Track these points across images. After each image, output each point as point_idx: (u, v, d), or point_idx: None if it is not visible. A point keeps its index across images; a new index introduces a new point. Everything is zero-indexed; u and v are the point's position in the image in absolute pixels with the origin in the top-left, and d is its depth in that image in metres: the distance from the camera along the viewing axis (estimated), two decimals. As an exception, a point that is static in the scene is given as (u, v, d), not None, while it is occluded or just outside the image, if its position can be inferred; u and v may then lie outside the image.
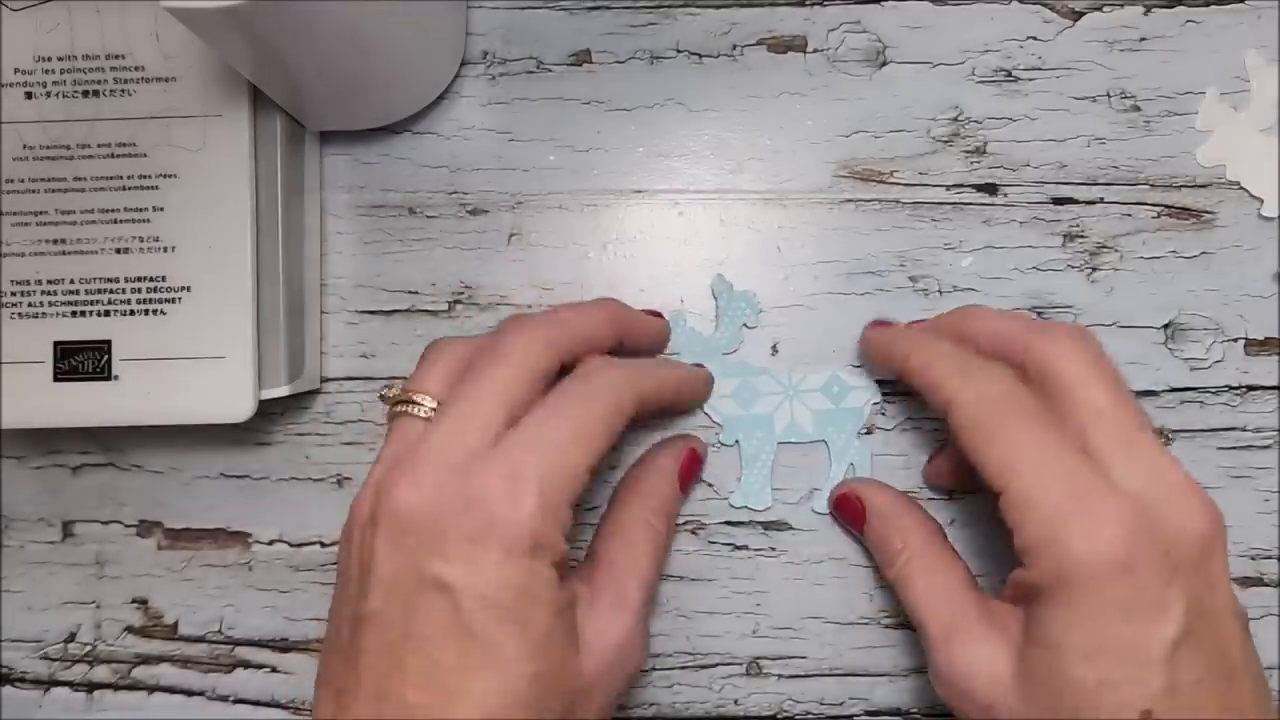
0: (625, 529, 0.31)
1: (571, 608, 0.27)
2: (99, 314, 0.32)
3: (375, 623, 0.26)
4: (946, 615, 0.28)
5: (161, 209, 0.32)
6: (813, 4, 0.36)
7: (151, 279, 0.32)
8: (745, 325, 0.35)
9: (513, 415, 0.27)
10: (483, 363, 0.28)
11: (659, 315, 0.35)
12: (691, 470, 0.34)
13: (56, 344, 0.32)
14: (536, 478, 0.26)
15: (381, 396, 0.30)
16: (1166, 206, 0.35)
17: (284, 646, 0.36)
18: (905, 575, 0.30)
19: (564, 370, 0.29)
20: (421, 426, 0.28)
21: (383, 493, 0.26)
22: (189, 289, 0.32)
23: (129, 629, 0.36)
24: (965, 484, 0.34)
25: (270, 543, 0.36)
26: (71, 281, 0.33)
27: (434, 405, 0.28)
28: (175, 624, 0.36)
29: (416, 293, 0.36)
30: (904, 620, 0.35)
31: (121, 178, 0.33)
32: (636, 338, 0.33)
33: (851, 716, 0.35)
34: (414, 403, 0.28)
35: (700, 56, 0.36)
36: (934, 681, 0.29)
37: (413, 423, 0.28)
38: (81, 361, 0.32)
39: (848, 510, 0.34)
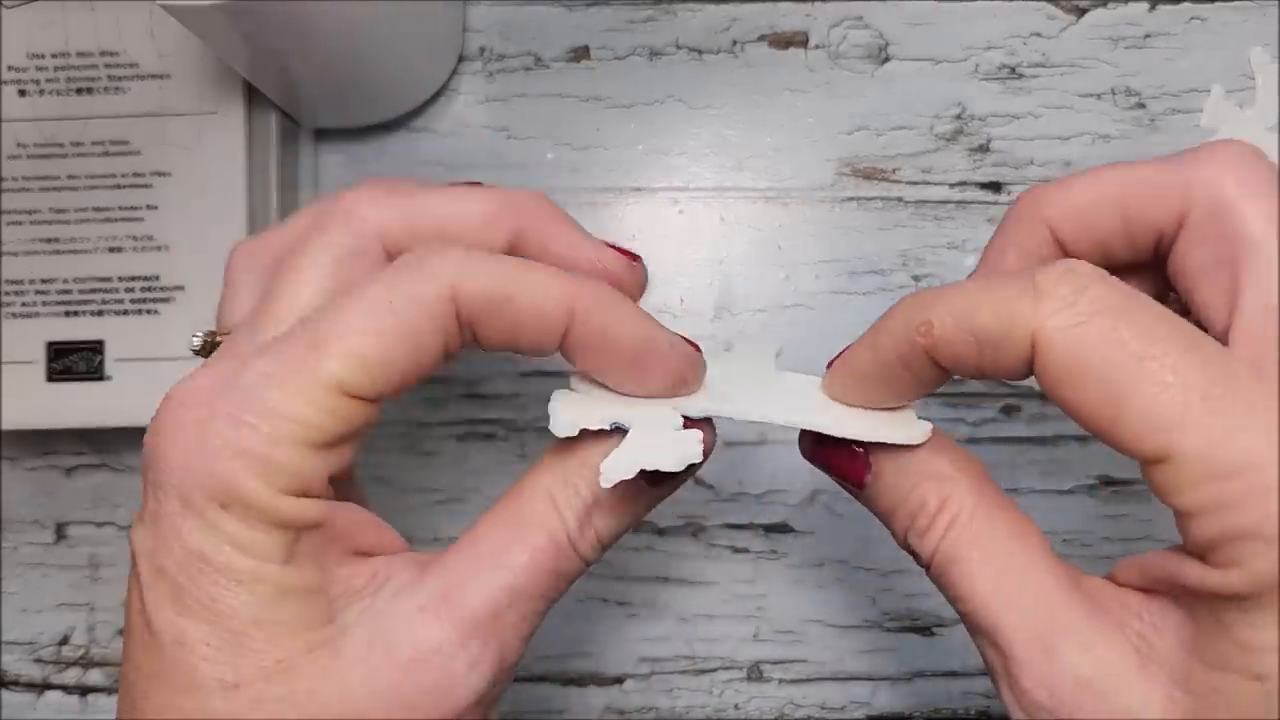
0: (515, 504, 0.21)
1: (319, 594, 0.19)
2: (92, 314, 0.32)
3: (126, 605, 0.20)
4: (1035, 611, 0.19)
5: (155, 208, 0.32)
6: (814, 0, 0.36)
7: (145, 278, 0.32)
8: None
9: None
10: (284, 265, 0.21)
11: (633, 257, 0.24)
12: None
13: (49, 344, 0.32)
14: (239, 398, 0.18)
15: (194, 350, 0.24)
16: (1172, 205, 0.35)
17: (280, 650, 0.36)
18: (951, 551, 0.20)
19: None
20: None
21: None
22: (183, 288, 0.32)
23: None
24: None
25: (266, 545, 0.36)
26: (64, 281, 0.32)
27: None
28: (170, 627, 0.36)
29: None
30: (907, 623, 0.35)
31: (115, 176, 0.32)
32: (547, 254, 0.23)
33: (853, 721, 0.35)
34: (217, 345, 0.23)
35: (700, 53, 0.36)
36: (1020, 707, 0.19)
37: None
38: (74, 362, 0.32)
39: (835, 457, 0.22)
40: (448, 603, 0.20)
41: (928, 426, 0.21)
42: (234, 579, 0.18)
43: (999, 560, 0.20)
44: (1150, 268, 0.21)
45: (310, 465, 0.19)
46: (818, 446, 0.23)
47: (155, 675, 0.19)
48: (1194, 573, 0.18)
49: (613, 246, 0.24)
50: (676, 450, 0.21)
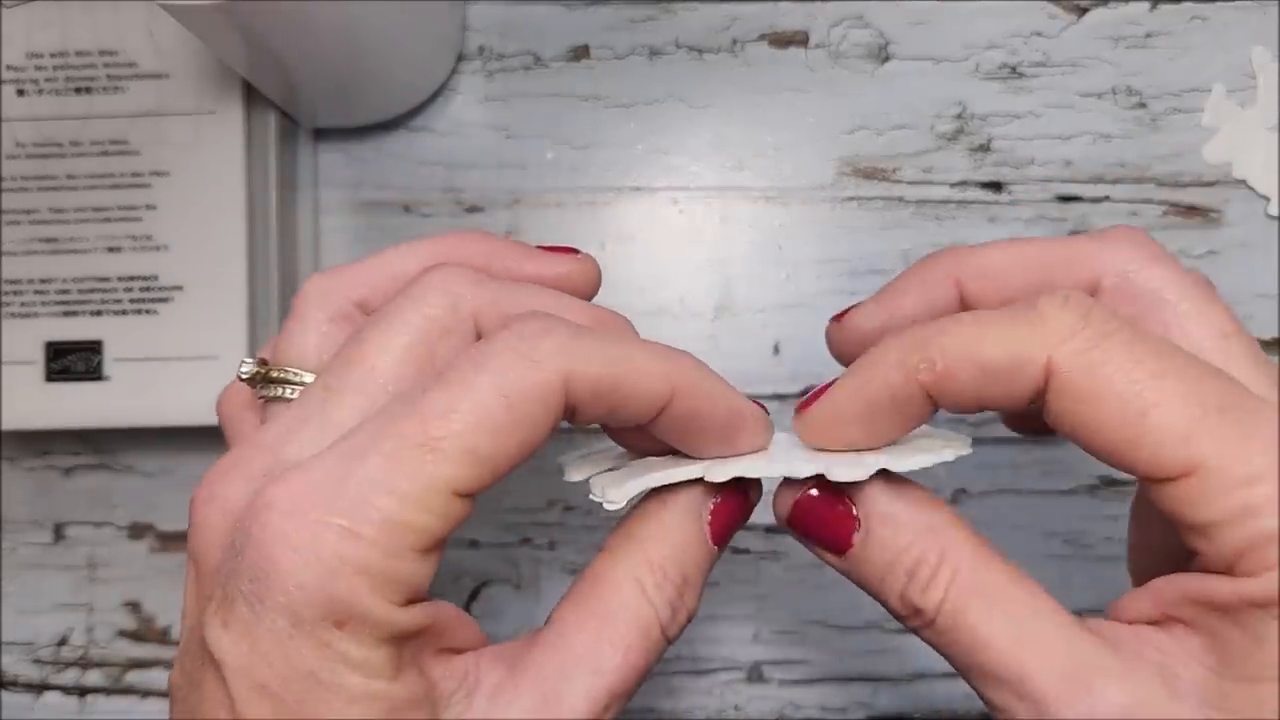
0: (600, 593, 0.20)
1: (424, 703, 0.19)
2: (90, 314, 0.32)
3: (175, 698, 0.20)
4: (1060, 652, 0.18)
5: (154, 207, 0.32)
6: (814, 0, 0.36)
7: (143, 278, 0.32)
8: None
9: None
10: (370, 327, 0.21)
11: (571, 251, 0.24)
12: (736, 510, 0.22)
13: (48, 344, 0.32)
14: (350, 506, 0.17)
15: (241, 378, 0.23)
16: (1173, 204, 0.35)
17: (279, 650, 0.36)
18: (960, 603, 0.19)
19: None
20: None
21: (191, 511, 0.20)
22: (181, 288, 0.32)
23: (121, 632, 0.36)
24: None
25: (265, 545, 0.36)
26: (63, 281, 0.32)
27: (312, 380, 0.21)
28: (167, 628, 0.36)
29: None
30: (907, 624, 0.35)
31: (113, 175, 0.32)
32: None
33: (854, 721, 0.35)
34: (285, 382, 0.22)
35: (700, 52, 0.36)
36: None
37: (278, 410, 0.22)
38: (73, 362, 0.32)
39: (823, 518, 0.21)
40: (547, 710, 0.19)
41: (967, 440, 0.21)
42: (347, 699, 0.18)
43: (1010, 607, 0.19)
44: None
45: (422, 571, 0.18)
46: (799, 510, 0.21)
47: None
48: (1224, 587, 0.17)
49: (553, 249, 0.24)
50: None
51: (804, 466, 0.20)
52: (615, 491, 0.21)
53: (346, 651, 0.17)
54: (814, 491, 0.21)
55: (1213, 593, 0.18)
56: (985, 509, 0.34)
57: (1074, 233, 0.35)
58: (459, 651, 0.20)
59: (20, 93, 0.33)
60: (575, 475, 0.22)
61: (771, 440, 0.22)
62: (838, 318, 0.25)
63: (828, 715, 0.35)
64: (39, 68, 0.33)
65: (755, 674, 0.35)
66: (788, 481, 0.21)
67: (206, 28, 0.26)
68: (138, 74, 0.32)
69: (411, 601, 0.18)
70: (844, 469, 0.20)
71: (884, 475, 0.20)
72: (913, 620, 0.20)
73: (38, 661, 0.36)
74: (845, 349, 0.25)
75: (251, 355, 0.31)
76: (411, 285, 0.21)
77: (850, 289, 0.35)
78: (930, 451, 0.20)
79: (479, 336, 0.21)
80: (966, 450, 0.21)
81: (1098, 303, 0.19)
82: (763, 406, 0.22)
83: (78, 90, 0.33)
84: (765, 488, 0.23)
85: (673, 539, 0.20)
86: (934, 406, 0.20)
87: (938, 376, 0.19)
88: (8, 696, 0.36)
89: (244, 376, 0.22)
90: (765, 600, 0.35)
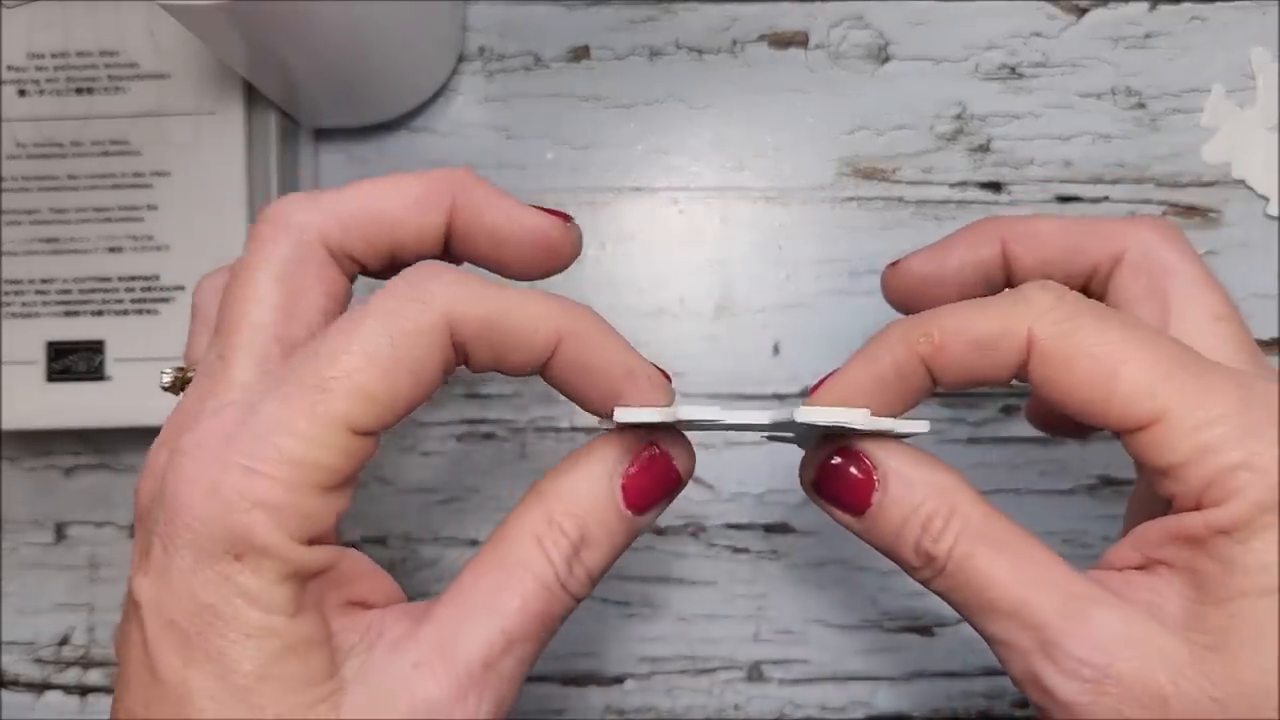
0: (501, 547, 0.21)
1: (322, 647, 0.19)
2: (92, 314, 0.32)
3: (117, 655, 0.20)
4: (1060, 586, 0.20)
5: (155, 207, 0.32)
6: (814, 0, 0.36)
7: (145, 278, 0.32)
8: None
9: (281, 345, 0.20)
10: (230, 287, 0.21)
11: (563, 216, 0.23)
12: (656, 480, 0.22)
13: (49, 344, 0.32)
14: (250, 446, 0.18)
15: (164, 388, 0.24)
16: (1172, 204, 0.35)
17: (280, 650, 0.36)
18: (968, 548, 0.21)
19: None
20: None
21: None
22: (183, 288, 0.32)
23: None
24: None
25: (266, 545, 0.36)
26: (64, 281, 0.32)
27: None
28: (170, 627, 0.36)
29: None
30: (907, 623, 0.35)
31: (114, 175, 0.32)
32: (484, 233, 0.22)
33: (854, 721, 0.35)
34: (188, 380, 0.23)
35: (700, 52, 0.36)
36: (1063, 673, 0.20)
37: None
38: (74, 362, 0.32)
39: (846, 481, 0.22)
40: (442, 657, 0.20)
41: (925, 423, 0.22)
42: (243, 632, 0.18)
43: (1014, 551, 0.21)
44: None
45: (324, 509, 0.19)
46: (824, 473, 0.23)
47: (159, 717, 0.19)
48: (1194, 520, 0.20)
49: (544, 210, 0.24)
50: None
51: (762, 415, 0.21)
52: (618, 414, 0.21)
53: (245, 584, 0.18)
54: (837, 459, 0.22)
55: (1185, 527, 0.20)
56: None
57: (1073, 233, 0.35)
58: (369, 607, 0.21)
59: (21, 93, 0.33)
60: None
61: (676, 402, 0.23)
62: (893, 265, 0.26)
63: (828, 715, 0.35)
64: (40, 68, 0.33)
65: (755, 674, 0.35)
66: (811, 451, 0.23)
67: (207, 28, 0.26)
68: (139, 74, 0.32)
69: (314, 541, 0.19)
70: (807, 414, 0.21)
71: (899, 441, 0.22)
72: (925, 570, 0.22)
73: (39, 661, 0.36)
74: (897, 294, 0.27)
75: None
76: (253, 230, 0.22)
77: (850, 289, 0.35)
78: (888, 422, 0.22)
79: (339, 263, 0.22)
80: (923, 429, 0.22)
81: (1070, 289, 0.21)
82: (665, 374, 0.23)
83: (79, 90, 0.33)
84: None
85: (576, 497, 0.21)
86: (933, 380, 0.22)
87: (935, 349, 0.21)
88: (9, 696, 0.36)
89: (165, 385, 0.23)
90: (765, 600, 0.35)
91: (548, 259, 0.23)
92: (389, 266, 0.22)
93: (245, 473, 0.18)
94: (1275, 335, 0.35)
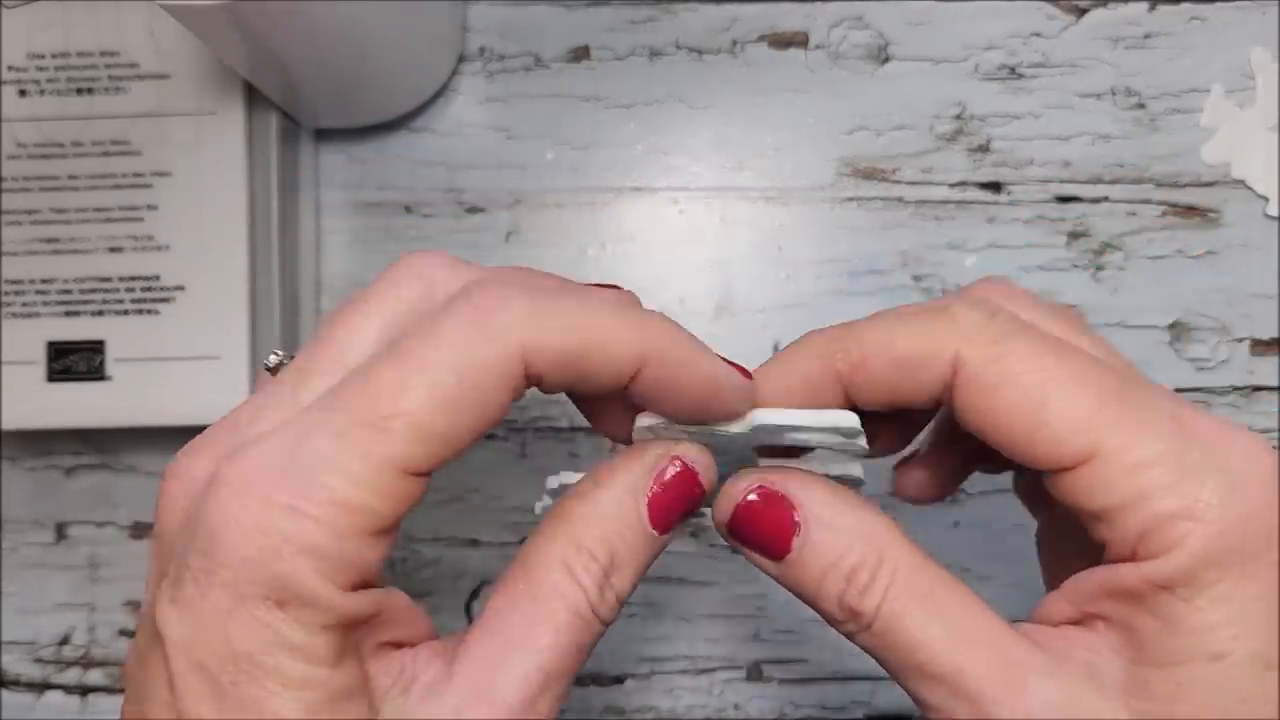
0: (529, 577, 0.20)
1: (360, 694, 0.18)
2: (92, 314, 0.32)
3: (127, 681, 0.19)
4: (995, 651, 0.19)
5: (155, 207, 0.32)
6: (814, 0, 0.36)
7: (145, 278, 0.32)
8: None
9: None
10: (348, 304, 0.20)
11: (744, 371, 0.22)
12: (679, 497, 0.21)
13: (50, 344, 0.32)
14: (299, 485, 0.17)
15: (266, 368, 0.22)
16: (1172, 205, 0.35)
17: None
18: (897, 605, 0.19)
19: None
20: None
21: (159, 487, 0.20)
22: (183, 288, 0.32)
23: (123, 632, 0.36)
24: (950, 489, 0.26)
25: (266, 545, 0.36)
26: (64, 281, 0.32)
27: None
28: (170, 627, 0.36)
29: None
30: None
31: (115, 176, 0.32)
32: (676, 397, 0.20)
33: (853, 720, 0.35)
34: (279, 367, 0.22)
35: (700, 53, 0.36)
36: None
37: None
38: (75, 362, 0.32)
39: (763, 521, 0.21)
40: (481, 700, 0.18)
41: (854, 416, 0.21)
42: (283, 683, 0.17)
43: (947, 609, 0.19)
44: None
45: (371, 554, 0.18)
46: (739, 515, 0.21)
47: None
48: (1130, 574, 0.18)
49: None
50: None
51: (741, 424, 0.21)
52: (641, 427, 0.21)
53: (287, 634, 0.17)
54: (753, 496, 0.21)
55: (1120, 580, 0.18)
56: (986, 509, 0.34)
57: (1074, 234, 0.35)
58: (401, 646, 0.20)
59: (22, 93, 0.33)
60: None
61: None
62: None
63: (827, 715, 0.35)
64: (40, 68, 0.33)
65: (755, 673, 0.35)
66: (729, 483, 0.21)
67: (207, 28, 0.26)
68: (139, 74, 0.32)
69: (359, 587, 0.18)
70: (766, 416, 0.21)
71: (823, 483, 0.21)
72: (849, 624, 0.20)
73: (39, 661, 0.36)
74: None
75: (252, 354, 0.32)
76: (387, 270, 0.21)
77: (850, 289, 0.35)
78: (834, 465, 0.22)
79: None
80: (856, 473, 0.21)
81: (1004, 302, 0.20)
82: (745, 371, 0.21)
83: (79, 91, 0.33)
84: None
85: (603, 520, 0.20)
86: (847, 398, 0.21)
87: (853, 367, 0.20)
88: (9, 696, 0.36)
89: (269, 366, 0.22)
90: (765, 600, 0.35)
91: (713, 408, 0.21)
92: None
93: (291, 513, 0.17)
94: (1275, 335, 0.35)
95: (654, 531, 0.20)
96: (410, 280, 0.20)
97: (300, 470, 0.17)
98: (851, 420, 0.20)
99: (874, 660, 0.20)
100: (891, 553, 0.20)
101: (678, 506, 0.21)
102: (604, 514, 0.20)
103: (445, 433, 0.18)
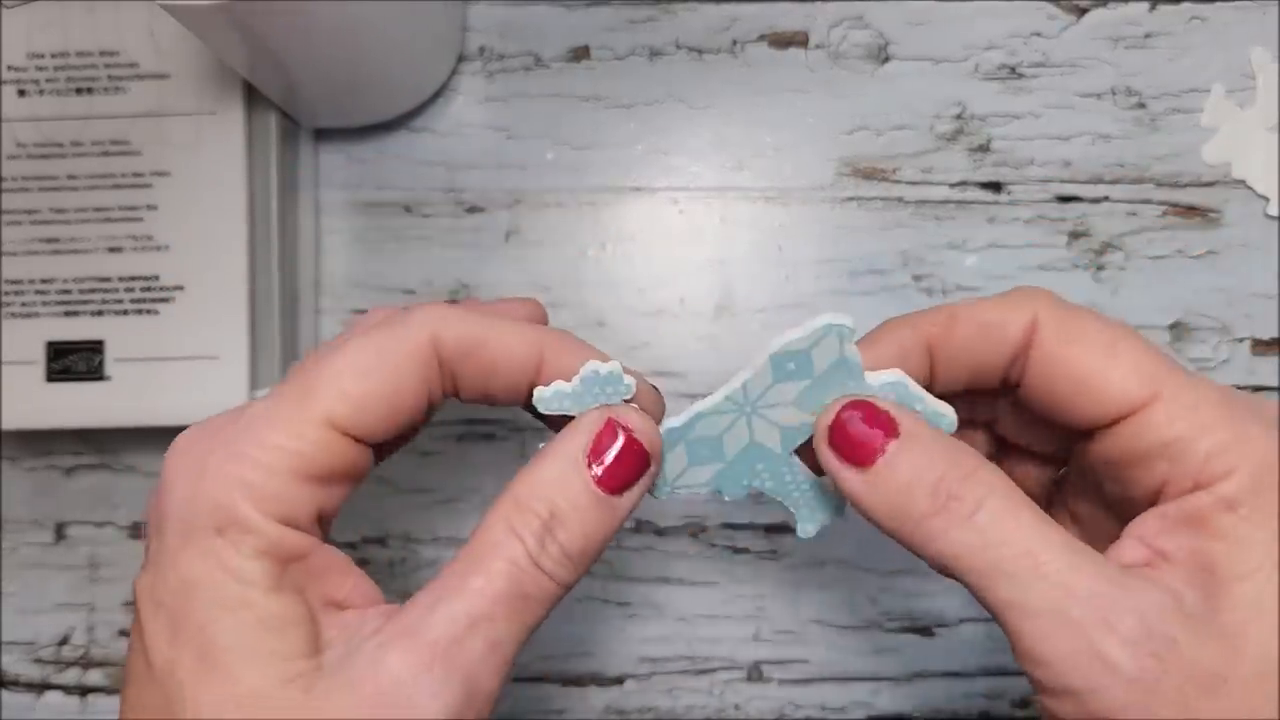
0: (474, 539, 0.21)
1: (299, 628, 0.20)
2: (92, 314, 0.32)
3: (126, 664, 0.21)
4: (1093, 563, 0.20)
5: (155, 207, 0.32)
6: (814, 0, 0.36)
7: (144, 278, 0.32)
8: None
9: None
10: (340, 338, 0.23)
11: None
12: (622, 458, 0.22)
13: (49, 344, 0.32)
14: (236, 435, 0.20)
15: None
16: (1172, 205, 0.35)
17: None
18: (996, 510, 0.20)
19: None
20: None
21: None
22: (182, 288, 0.32)
23: (122, 632, 0.36)
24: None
25: (266, 545, 0.36)
26: (64, 281, 0.32)
27: None
28: (169, 627, 0.36)
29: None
30: (907, 623, 0.35)
31: (114, 176, 0.32)
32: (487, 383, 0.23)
33: (854, 721, 0.35)
34: None
35: (700, 52, 0.36)
36: (1118, 655, 0.19)
37: None
38: (74, 362, 0.32)
39: (862, 429, 0.22)
40: (407, 635, 0.20)
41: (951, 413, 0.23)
42: (221, 605, 0.19)
43: (1039, 515, 0.20)
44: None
45: (301, 496, 0.20)
46: (838, 422, 0.22)
47: (151, 708, 0.19)
48: (1202, 499, 0.20)
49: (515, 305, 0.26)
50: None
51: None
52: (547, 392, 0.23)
53: (225, 558, 0.19)
54: (857, 411, 0.22)
55: (1188, 509, 0.20)
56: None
57: (1075, 234, 0.35)
58: (346, 608, 0.21)
59: (21, 93, 0.33)
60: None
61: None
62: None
63: (828, 715, 0.35)
64: (40, 68, 0.33)
65: (755, 674, 0.35)
66: (829, 406, 0.22)
67: (207, 28, 0.26)
68: (139, 74, 0.32)
69: (294, 525, 0.20)
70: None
71: (917, 414, 0.22)
72: (939, 517, 0.20)
73: (39, 661, 0.36)
74: None
75: (252, 354, 0.32)
76: (396, 313, 0.23)
77: (850, 289, 0.35)
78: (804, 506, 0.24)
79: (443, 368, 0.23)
80: (810, 527, 0.24)
81: None
82: (655, 390, 0.24)
83: (79, 90, 0.33)
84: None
85: (544, 482, 0.21)
86: (931, 368, 0.23)
87: (943, 328, 0.23)
88: (9, 696, 0.36)
89: None
90: (765, 600, 0.35)
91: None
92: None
93: (229, 457, 0.20)
94: (1275, 335, 0.35)
95: (600, 492, 0.21)
96: (416, 328, 0.23)
97: (239, 426, 0.21)
98: (841, 318, 0.22)
99: (939, 567, 0.21)
100: (983, 473, 0.21)
101: (621, 468, 0.22)
102: (544, 477, 0.21)
103: (365, 395, 0.21)
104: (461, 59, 0.36)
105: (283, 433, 0.20)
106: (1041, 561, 0.19)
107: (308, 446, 0.20)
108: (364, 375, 0.21)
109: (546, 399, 0.23)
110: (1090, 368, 0.21)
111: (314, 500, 0.21)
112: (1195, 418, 0.20)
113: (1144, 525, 0.21)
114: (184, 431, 0.21)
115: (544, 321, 0.26)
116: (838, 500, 0.24)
